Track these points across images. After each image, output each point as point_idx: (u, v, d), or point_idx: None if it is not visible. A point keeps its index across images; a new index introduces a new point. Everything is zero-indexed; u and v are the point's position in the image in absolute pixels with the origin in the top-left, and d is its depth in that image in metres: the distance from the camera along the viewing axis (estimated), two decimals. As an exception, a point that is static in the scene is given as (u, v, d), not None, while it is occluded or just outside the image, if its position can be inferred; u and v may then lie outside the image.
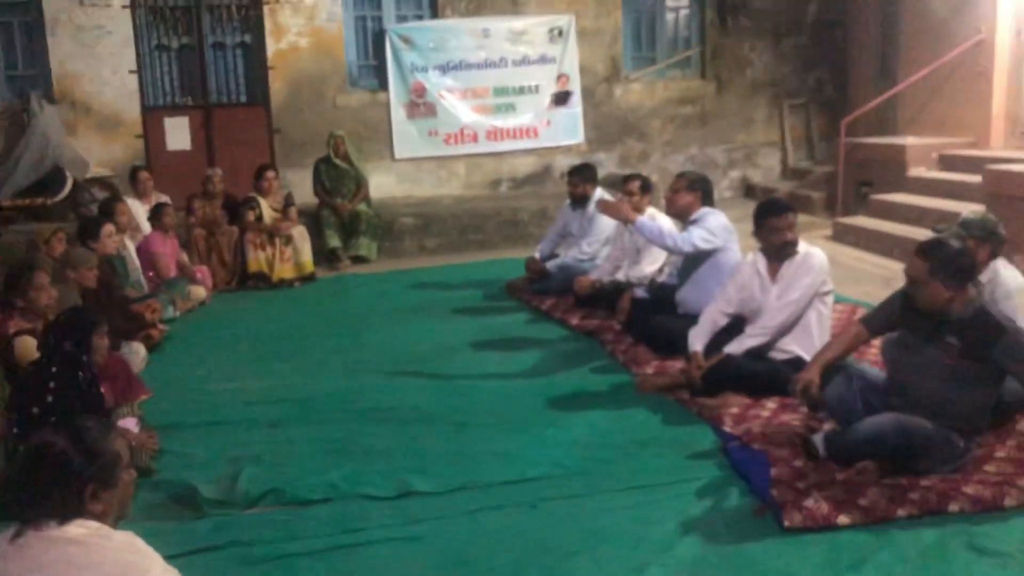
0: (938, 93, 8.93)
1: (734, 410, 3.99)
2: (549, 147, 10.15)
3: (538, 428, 4.02)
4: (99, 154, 8.80)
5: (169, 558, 2.08)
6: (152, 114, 9.13)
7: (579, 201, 6.63)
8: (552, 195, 9.35)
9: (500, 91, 9.91)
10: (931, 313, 3.28)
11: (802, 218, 4.44)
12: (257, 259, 7.33)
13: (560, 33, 9.94)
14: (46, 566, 1.90)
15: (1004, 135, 8.40)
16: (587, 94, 10.16)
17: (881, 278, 6.71)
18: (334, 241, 8.02)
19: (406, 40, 9.55)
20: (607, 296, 5.78)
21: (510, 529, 3.12)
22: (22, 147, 7.74)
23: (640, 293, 5.47)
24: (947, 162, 8.31)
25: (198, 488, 3.44)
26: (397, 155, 9.70)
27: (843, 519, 3.00)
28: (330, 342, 5.69)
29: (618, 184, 6.39)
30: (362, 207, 8.21)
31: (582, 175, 6.65)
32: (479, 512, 3.24)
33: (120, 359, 4.30)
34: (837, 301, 4.91)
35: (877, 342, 4.60)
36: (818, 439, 3.44)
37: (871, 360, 4.21)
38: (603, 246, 6.38)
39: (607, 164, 10.02)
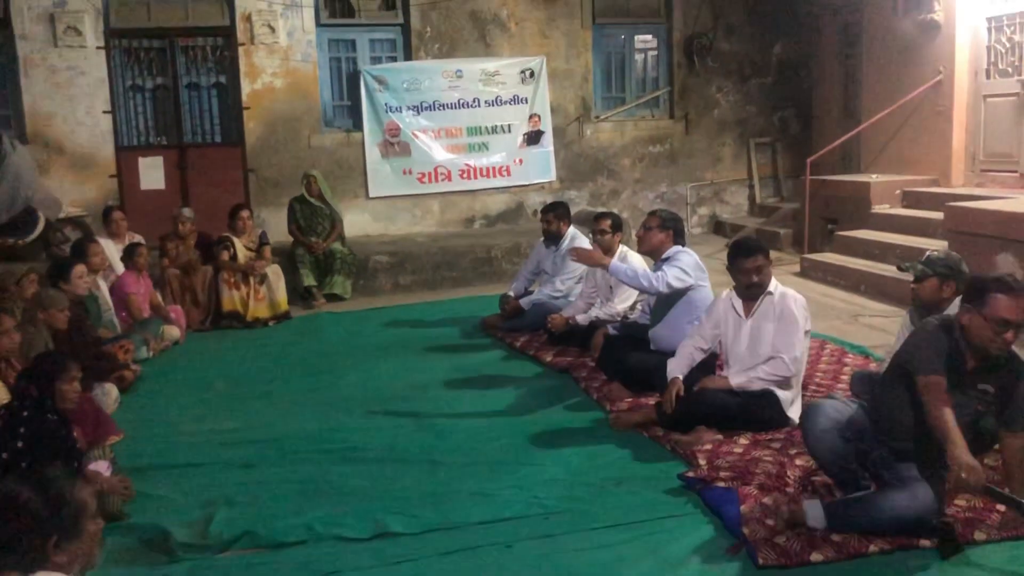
0: (900, 132, 9.18)
1: (707, 447, 4.04)
2: (521, 185, 10.29)
3: (513, 467, 4.03)
4: (72, 194, 8.79)
5: (142, 604, 2.07)
6: (126, 154, 9.14)
7: (552, 238, 6.72)
8: (525, 231, 9.46)
9: (473, 131, 10.04)
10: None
11: (771, 254, 4.51)
12: (231, 298, 7.31)
13: (532, 74, 10.12)
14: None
15: (964, 172, 8.63)
16: (558, 133, 10.34)
17: (848, 313, 6.84)
18: (309, 280, 8.03)
19: (380, 81, 9.67)
20: (580, 333, 5.86)
21: (486, 570, 3.12)
22: (-7, 187, 7.68)
23: (612, 330, 5.53)
24: (910, 199, 8.51)
25: (171, 531, 3.41)
26: (372, 194, 9.78)
27: (816, 556, 3.03)
28: (305, 381, 5.68)
29: (589, 221, 6.49)
30: (336, 245, 8.24)
31: (556, 212, 6.76)
32: (455, 553, 3.23)
33: (90, 400, 4.27)
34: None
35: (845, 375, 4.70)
36: (815, 511, 3.18)
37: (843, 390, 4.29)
38: (576, 283, 6.46)
39: (579, 202, 10.16)
